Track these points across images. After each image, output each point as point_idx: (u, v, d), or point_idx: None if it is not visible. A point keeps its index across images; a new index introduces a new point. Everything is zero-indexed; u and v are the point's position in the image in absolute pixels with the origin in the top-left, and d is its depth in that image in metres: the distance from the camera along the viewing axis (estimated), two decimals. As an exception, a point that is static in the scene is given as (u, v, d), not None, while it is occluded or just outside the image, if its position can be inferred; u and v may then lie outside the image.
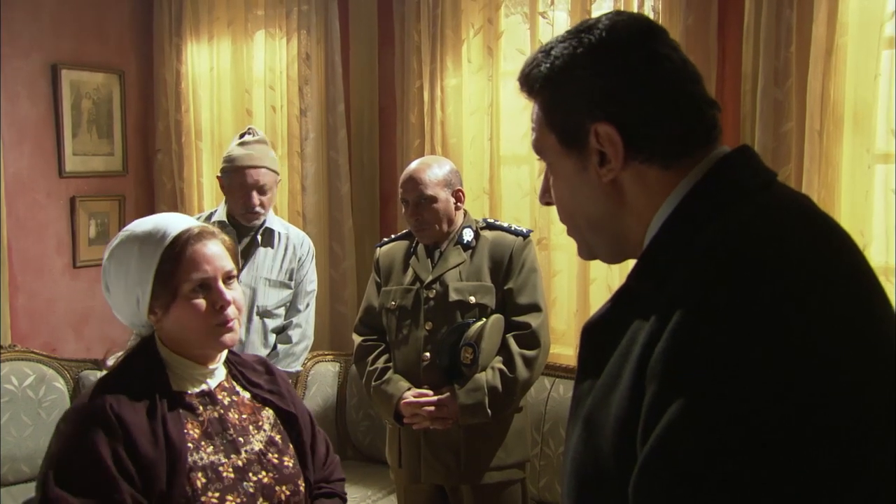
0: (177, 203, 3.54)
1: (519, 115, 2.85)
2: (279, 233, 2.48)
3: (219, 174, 2.43)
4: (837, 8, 2.17)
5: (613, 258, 0.89)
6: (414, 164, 2.15)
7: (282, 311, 2.50)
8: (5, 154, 3.10)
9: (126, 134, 3.55)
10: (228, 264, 1.33)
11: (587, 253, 0.89)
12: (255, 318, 2.43)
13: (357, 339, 2.22)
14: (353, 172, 3.22)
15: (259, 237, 2.43)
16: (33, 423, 2.81)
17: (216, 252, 1.32)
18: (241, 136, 2.43)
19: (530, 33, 2.73)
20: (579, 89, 0.80)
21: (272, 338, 2.51)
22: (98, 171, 3.46)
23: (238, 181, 2.34)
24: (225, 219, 2.44)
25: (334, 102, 3.18)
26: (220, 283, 1.30)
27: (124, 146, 3.55)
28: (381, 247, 2.27)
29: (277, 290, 2.46)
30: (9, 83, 3.11)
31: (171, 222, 1.33)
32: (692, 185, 0.77)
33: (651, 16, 2.41)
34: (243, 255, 2.41)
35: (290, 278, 2.49)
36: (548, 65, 0.82)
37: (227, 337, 1.31)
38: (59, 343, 3.30)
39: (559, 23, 2.67)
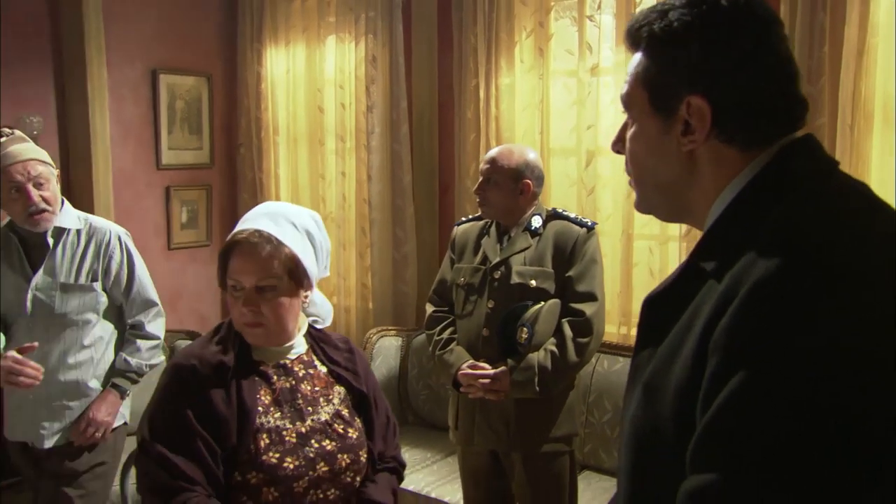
0: (256, 192, 3.80)
1: (567, 110, 2.99)
2: (75, 230, 2.09)
3: None
4: (869, 10, 2.26)
5: (669, 218, 0.91)
6: (499, 147, 2.25)
7: (91, 317, 2.10)
8: (113, 150, 3.44)
9: (213, 130, 3.82)
10: (265, 278, 1.35)
11: (645, 206, 0.89)
12: (60, 330, 2.07)
13: (429, 308, 2.33)
14: (414, 163, 3.37)
15: (50, 238, 2.06)
16: (136, 385, 3.17)
17: (256, 263, 1.34)
18: None
19: (578, 35, 2.85)
20: (685, 59, 0.78)
21: (91, 353, 2.11)
22: (188, 164, 3.75)
23: (6, 184, 1.96)
24: (9, 230, 2.07)
25: (398, 100, 3.34)
26: (252, 291, 1.35)
27: (211, 141, 3.82)
28: (458, 225, 2.35)
29: (78, 295, 2.07)
30: (116, 87, 3.44)
31: (250, 218, 1.40)
32: (759, 169, 0.78)
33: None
34: (36, 261, 2.06)
35: (94, 279, 2.10)
36: (661, 25, 0.80)
37: (253, 339, 1.39)
38: (156, 316, 3.68)
39: (605, 25, 2.79)
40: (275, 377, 1.39)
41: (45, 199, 2.00)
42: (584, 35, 2.85)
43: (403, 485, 2.50)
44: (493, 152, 2.20)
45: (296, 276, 1.39)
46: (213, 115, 3.83)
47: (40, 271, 2.05)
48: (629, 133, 0.86)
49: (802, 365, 0.63)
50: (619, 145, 0.88)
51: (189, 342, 3.29)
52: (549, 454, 2.14)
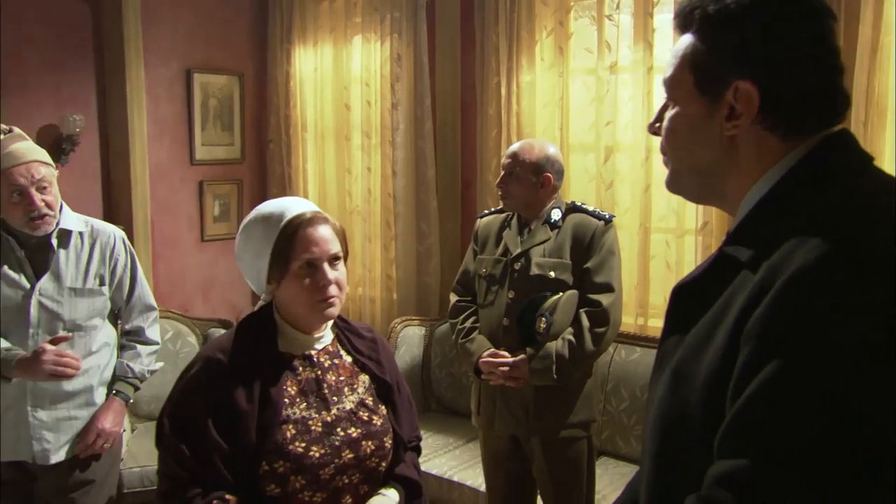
0: (285, 186, 3.93)
1: (586, 107, 3.06)
2: (78, 232, 1.99)
3: None
4: (883, 8, 2.31)
5: (698, 200, 0.91)
6: (521, 142, 2.29)
7: (97, 322, 2.02)
8: (149, 146, 3.60)
9: (244, 127, 3.95)
10: (335, 247, 1.40)
11: (676, 187, 0.89)
12: (67, 334, 1.95)
13: (453, 298, 2.38)
14: (437, 159, 3.47)
15: (54, 241, 1.95)
16: (172, 371, 3.24)
17: (325, 235, 1.39)
18: None
19: (597, 34, 2.92)
20: (737, 43, 0.77)
21: (98, 359, 2.03)
22: (221, 159, 3.89)
23: (7, 187, 1.84)
24: (4, 232, 1.93)
25: (422, 97, 3.44)
26: (326, 265, 1.38)
27: (242, 137, 3.96)
28: (481, 218, 2.40)
29: (87, 300, 1.98)
30: (152, 86, 3.59)
31: (291, 206, 1.42)
32: (797, 160, 0.78)
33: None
34: (39, 265, 1.94)
35: (102, 283, 2.02)
36: (716, 7, 0.79)
37: (328, 312, 1.41)
38: (190, 305, 3.80)
39: (624, 24, 2.86)
40: (300, 368, 1.42)
41: (47, 204, 1.89)
42: (602, 34, 2.91)
43: (426, 469, 2.64)
44: (514, 147, 2.25)
45: (346, 248, 1.46)
46: (245, 113, 3.95)
47: (45, 276, 1.93)
48: (669, 114, 0.86)
49: (834, 358, 0.64)
50: (656, 126, 0.88)
51: (221, 330, 3.46)
52: (567, 439, 2.20)
